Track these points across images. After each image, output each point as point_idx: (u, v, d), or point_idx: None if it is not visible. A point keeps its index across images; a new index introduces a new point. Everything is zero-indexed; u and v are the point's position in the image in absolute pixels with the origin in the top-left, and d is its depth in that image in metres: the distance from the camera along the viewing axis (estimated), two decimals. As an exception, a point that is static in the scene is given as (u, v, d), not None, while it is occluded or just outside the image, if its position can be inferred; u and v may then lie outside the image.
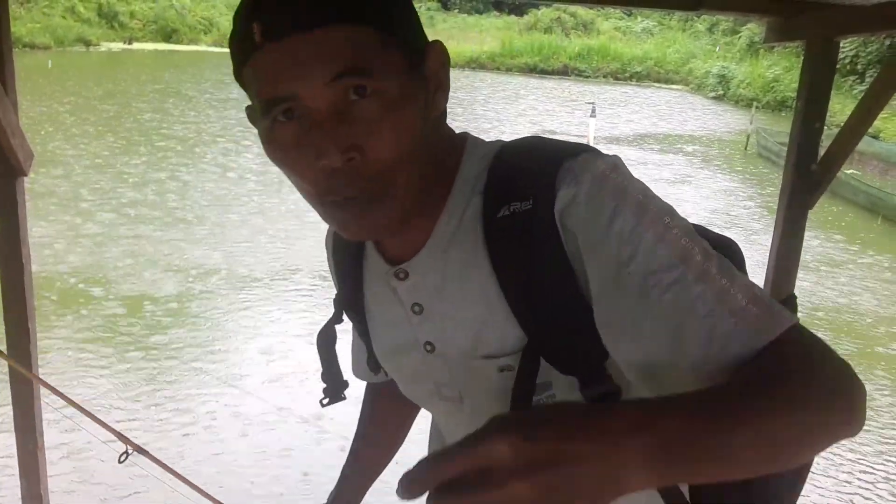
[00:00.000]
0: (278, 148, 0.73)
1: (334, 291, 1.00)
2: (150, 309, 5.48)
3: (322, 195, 0.74)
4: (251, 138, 11.36)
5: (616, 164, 0.74)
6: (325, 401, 1.04)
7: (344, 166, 0.70)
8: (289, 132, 0.72)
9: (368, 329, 0.95)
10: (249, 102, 0.78)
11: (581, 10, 31.22)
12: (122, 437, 1.54)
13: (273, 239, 7.23)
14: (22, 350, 2.25)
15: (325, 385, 1.04)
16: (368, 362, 1.00)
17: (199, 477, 2.92)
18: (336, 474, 1.20)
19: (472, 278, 0.80)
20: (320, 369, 1.04)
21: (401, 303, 0.86)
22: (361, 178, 0.72)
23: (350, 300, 0.95)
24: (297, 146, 0.72)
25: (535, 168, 0.77)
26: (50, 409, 2.24)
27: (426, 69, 0.76)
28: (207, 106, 15.11)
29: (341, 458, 1.22)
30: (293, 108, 0.71)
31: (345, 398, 1.05)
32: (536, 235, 0.75)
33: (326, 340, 1.01)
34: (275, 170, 0.80)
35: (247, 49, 0.71)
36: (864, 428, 0.61)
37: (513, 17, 36.13)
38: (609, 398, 0.77)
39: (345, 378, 1.04)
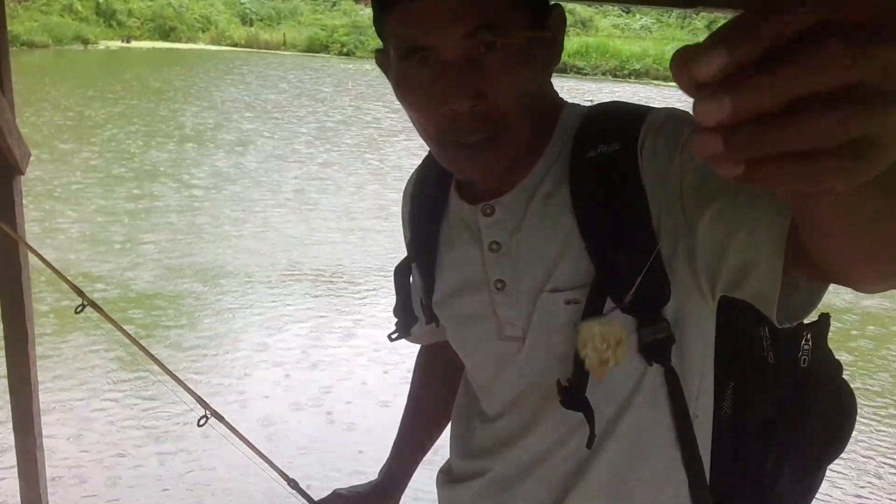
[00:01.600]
0: (410, 90, 0.81)
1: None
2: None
3: (445, 136, 0.81)
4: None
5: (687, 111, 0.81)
6: (395, 335, 1.11)
7: (468, 111, 0.78)
8: (422, 77, 0.79)
9: (435, 271, 0.99)
10: (380, 47, 0.87)
11: (580, 8, 31.26)
12: (202, 401, 1.58)
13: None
14: (20, 350, 2.24)
15: (396, 320, 1.09)
16: (425, 311, 1.04)
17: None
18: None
19: (552, 214, 0.85)
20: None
21: (479, 242, 0.91)
22: (482, 123, 0.79)
23: (424, 242, 1.00)
24: (427, 90, 0.79)
25: (624, 116, 0.84)
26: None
27: (547, 30, 0.83)
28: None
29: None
30: (428, 56, 0.78)
31: (411, 335, 1.12)
32: (618, 174, 0.80)
33: (401, 275, 1.06)
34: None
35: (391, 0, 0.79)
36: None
37: (511, 15, 36.01)
38: (662, 344, 0.82)
39: (416, 314, 1.08)
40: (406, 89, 0.82)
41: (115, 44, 27.76)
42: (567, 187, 0.84)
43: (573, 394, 0.84)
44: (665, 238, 0.77)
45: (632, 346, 0.82)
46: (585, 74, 27.07)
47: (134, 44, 28.33)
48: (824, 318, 0.95)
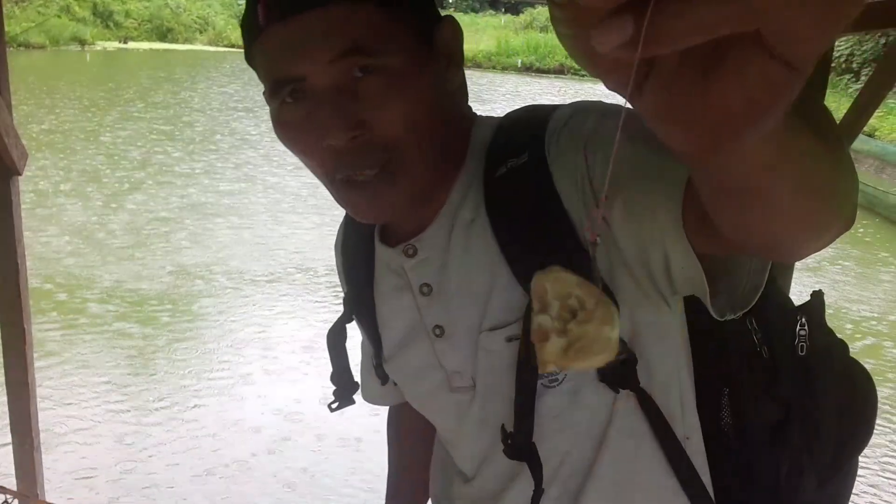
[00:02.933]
0: (286, 129, 0.73)
1: None
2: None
3: (331, 173, 0.73)
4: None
5: (598, 102, 0.74)
6: (335, 404, 0.99)
7: (349, 144, 0.70)
8: (296, 113, 0.71)
9: (378, 329, 0.91)
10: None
11: (577, 9, 31.02)
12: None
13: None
14: (18, 352, 2.24)
15: (335, 388, 0.99)
16: (377, 371, 0.97)
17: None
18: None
19: (475, 246, 0.78)
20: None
21: (409, 287, 0.83)
22: (369, 156, 0.71)
23: (360, 298, 0.92)
24: (302, 127, 0.71)
25: (530, 123, 0.77)
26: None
27: (437, 44, 0.75)
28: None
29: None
30: (300, 88, 0.70)
31: (354, 402, 1.01)
32: (530, 186, 0.73)
33: (337, 339, 0.97)
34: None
35: (253, 30, 0.71)
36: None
37: (509, 16, 36.16)
38: (623, 366, 0.74)
39: (355, 380, 1.00)
40: (282, 127, 0.73)
41: (113, 45, 27.75)
42: (485, 214, 0.77)
43: (516, 440, 0.76)
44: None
45: (591, 373, 0.75)
46: (583, 76, 27.08)
47: (131, 44, 28.31)
48: (817, 296, 0.87)
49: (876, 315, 6.09)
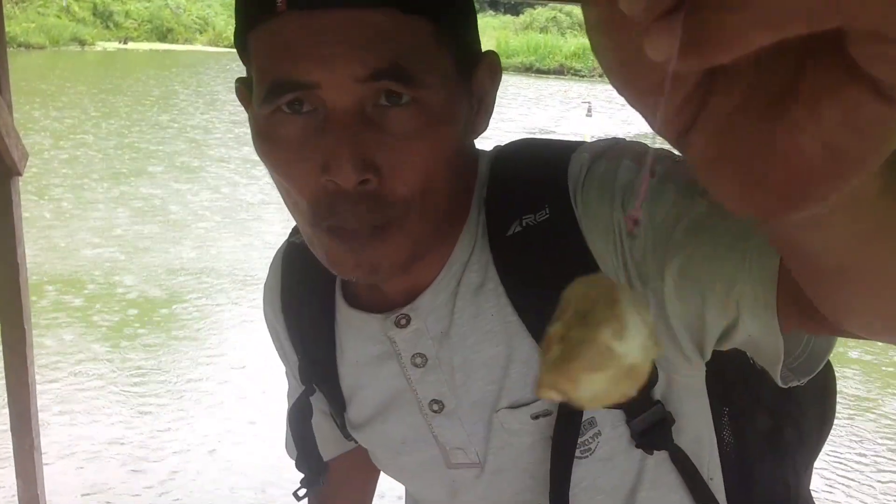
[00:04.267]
0: (275, 145, 0.59)
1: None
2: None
3: (318, 218, 0.59)
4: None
5: (616, 139, 0.67)
6: (303, 492, 0.86)
7: (353, 189, 0.56)
8: (294, 128, 0.57)
9: (342, 392, 0.78)
10: (244, 74, 0.63)
11: (577, 10, 31.17)
12: None
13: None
14: (18, 352, 2.25)
15: (302, 475, 0.86)
16: (343, 431, 0.83)
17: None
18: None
19: (486, 313, 0.67)
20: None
21: (396, 356, 0.71)
22: (371, 208, 0.58)
23: (319, 362, 0.77)
24: (301, 149, 0.57)
25: (543, 172, 0.65)
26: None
27: (475, 83, 0.63)
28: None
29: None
30: (305, 98, 0.56)
31: (321, 485, 0.87)
32: (554, 245, 0.62)
33: (299, 417, 0.82)
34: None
35: (262, 9, 0.56)
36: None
37: (508, 17, 36.16)
38: (659, 427, 0.67)
39: (324, 460, 0.86)
40: (270, 143, 0.59)
41: (113, 45, 27.74)
42: (496, 277, 0.66)
43: None
44: None
45: (624, 438, 0.68)
46: (583, 76, 27.10)
47: (131, 45, 28.31)
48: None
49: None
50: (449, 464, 0.74)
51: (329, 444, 0.87)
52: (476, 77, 0.63)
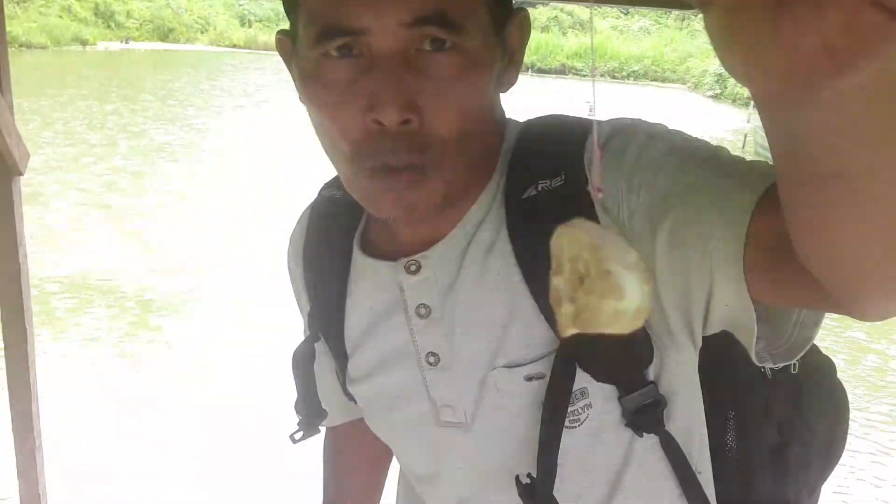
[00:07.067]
0: (322, 88, 0.62)
1: None
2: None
3: (361, 159, 0.63)
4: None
5: (639, 119, 0.69)
6: (299, 435, 0.88)
7: (395, 128, 0.60)
8: (341, 72, 0.61)
9: (345, 343, 0.81)
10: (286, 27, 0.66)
11: (578, 9, 31.30)
12: None
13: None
14: (19, 351, 2.24)
15: (299, 417, 0.88)
16: (343, 388, 0.86)
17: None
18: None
19: (493, 271, 0.69)
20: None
21: (402, 304, 0.73)
22: (412, 147, 0.61)
23: (329, 311, 0.80)
24: (346, 90, 0.61)
25: (563, 139, 0.68)
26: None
27: (507, 37, 0.67)
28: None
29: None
30: (355, 43, 0.60)
31: (319, 431, 0.90)
32: (565, 211, 0.61)
33: (304, 362, 0.85)
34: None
35: None
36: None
37: (510, 16, 36.10)
38: (651, 409, 0.68)
39: (323, 406, 0.88)
40: (317, 86, 0.62)
41: (114, 45, 27.77)
42: (507, 238, 0.68)
43: (537, 492, 0.68)
44: None
45: (615, 415, 0.69)
46: (584, 76, 27.09)
47: (132, 45, 28.34)
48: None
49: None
50: (438, 421, 0.75)
51: (330, 399, 0.89)
52: (508, 31, 0.67)
